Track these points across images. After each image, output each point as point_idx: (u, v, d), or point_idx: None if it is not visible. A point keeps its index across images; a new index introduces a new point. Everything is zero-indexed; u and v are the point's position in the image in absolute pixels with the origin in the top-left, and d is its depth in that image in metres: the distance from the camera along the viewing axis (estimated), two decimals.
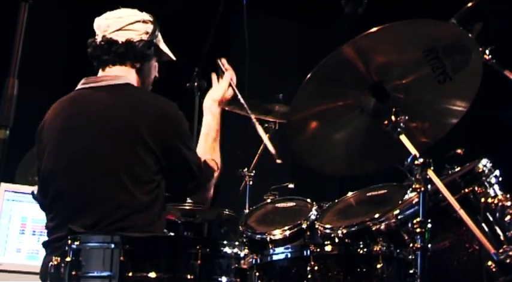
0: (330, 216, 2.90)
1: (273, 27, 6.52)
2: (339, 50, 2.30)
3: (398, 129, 2.33)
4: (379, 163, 2.67)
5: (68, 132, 2.55)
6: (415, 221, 2.17)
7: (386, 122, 2.36)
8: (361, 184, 3.06)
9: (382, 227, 2.60)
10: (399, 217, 2.59)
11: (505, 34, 3.10)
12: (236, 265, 2.20)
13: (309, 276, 2.29)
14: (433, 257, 2.25)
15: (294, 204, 3.21)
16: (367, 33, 2.26)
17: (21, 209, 3.81)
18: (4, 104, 1.86)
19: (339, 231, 2.68)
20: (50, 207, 2.54)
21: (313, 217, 2.93)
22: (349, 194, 3.04)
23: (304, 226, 2.89)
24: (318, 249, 2.36)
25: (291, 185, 3.98)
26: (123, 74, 2.63)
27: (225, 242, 2.23)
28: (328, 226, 2.76)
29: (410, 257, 2.30)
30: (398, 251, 2.38)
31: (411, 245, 2.18)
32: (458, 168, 2.73)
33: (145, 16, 2.73)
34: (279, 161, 2.77)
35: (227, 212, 4.06)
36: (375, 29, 2.26)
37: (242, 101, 2.93)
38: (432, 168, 2.21)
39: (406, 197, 2.66)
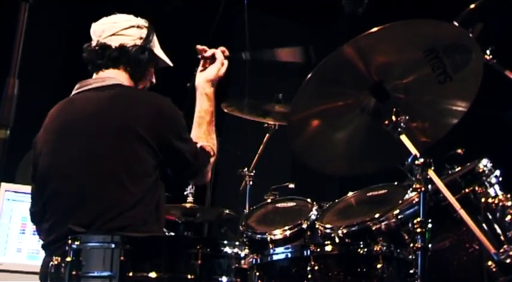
0: (330, 216, 2.90)
1: (273, 27, 6.52)
2: (339, 50, 2.30)
3: (399, 129, 2.33)
4: (379, 163, 2.67)
5: (63, 134, 2.57)
6: (415, 221, 2.17)
7: (386, 122, 2.36)
8: (361, 184, 3.06)
9: (383, 226, 2.60)
10: (399, 217, 2.59)
11: (505, 34, 3.10)
12: (236, 265, 2.19)
13: (309, 276, 2.29)
14: (434, 257, 2.25)
15: (294, 204, 3.22)
16: (368, 33, 2.26)
17: (21, 208, 3.82)
18: (4, 103, 1.86)
19: (339, 231, 2.68)
20: (44, 209, 2.54)
21: (313, 217, 2.94)
22: (350, 194, 3.05)
23: (304, 226, 2.89)
24: (318, 249, 2.35)
25: (291, 185, 3.98)
26: (115, 76, 2.65)
27: (225, 242, 2.23)
28: (328, 226, 2.77)
29: (410, 257, 2.30)
30: (398, 251, 2.38)
31: (411, 244, 2.18)
32: (459, 168, 2.73)
33: (141, 21, 2.74)
34: None
35: (227, 212, 4.07)
36: (375, 29, 2.26)
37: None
38: (432, 168, 2.21)
39: (407, 197, 2.66)
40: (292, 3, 6.14)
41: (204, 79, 2.85)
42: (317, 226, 2.83)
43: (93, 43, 2.68)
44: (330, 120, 2.53)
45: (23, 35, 1.92)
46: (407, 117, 2.36)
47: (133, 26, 2.70)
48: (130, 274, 2.05)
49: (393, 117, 2.35)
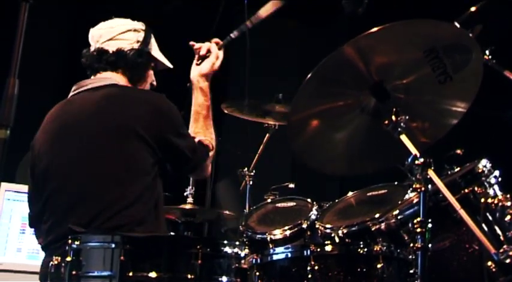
0: (330, 216, 2.90)
1: (273, 27, 6.51)
2: (339, 50, 2.30)
3: (399, 129, 2.33)
4: (379, 163, 2.67)
5: (61, 135, 2.58)
6: (415, 221, 2.17)
7: (386, 122, 2.36)
8: (361, 184, 3.06)
9: (383, 226, 2.60)
10: (399, 217, 2.59)
11: (505, 34, 3.10)
12: (236, 265, 2.20)
13: (309, 276, 2.29)
14: (433, 257, 2.25)
15: (294, 204, 3.22)
16: (368, 33, 2.26)
17: (21, 208, 3.82)
18: (5, 103, 1.86)
19: (339, 231, 2.68)
20: (43, 209, 2.54)
21: (313, 217, 2.94)
22: (350, 193, 3.05)
23: (304, 226, 2.89)
24: (318, 249, 2.35)
25: (291, 185, 3.98)
26: (111, 77, 2.66)
27: (225, 242, 2.23)
28: (328, 226, 2.77)
29: (410, 257, 2.30)
30: (398, 251, 2.38)
31: (411, 244, 2.18)
32: (458, 169, 2.73)
33: (137, 25, 2.75)
34: None
35: (227, 213, 4.07)
36: (375, 29, 2.26)
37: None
38: (432, 168, 2.22)
39: (407, 197, 2.66)
40: (292, 3, 6.13)
41: (198, 73, 2.84)
42: (317, 226, 2.83)
43: (91, 48, 2.70)
44: (330, 120, 2.53)
45: (23, 35, 1.92)
46: (407, 117, 2.36)
47: (130, 30, 2.71)
48: (131, 274, 2.05)
49: (393, 117, 2.35)
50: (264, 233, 2.96)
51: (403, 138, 2.32)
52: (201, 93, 2.81)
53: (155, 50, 2.79)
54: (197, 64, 2.88)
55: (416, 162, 2.22)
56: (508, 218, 2.41)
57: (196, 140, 2.68)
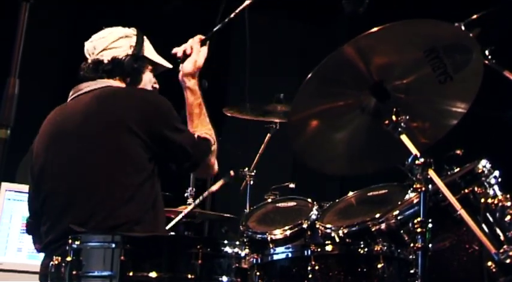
0: (330, 216, 2.90)
1: (273, 26, 6.52)
2: (340, 50, 2.30)
3: (399, 129, 2.33)
4: (379, 163, 2.67)
5: (55, 136, 2.60)
6: (415, 221, 2.17)
7: (387, 121, 2.36)
8: (361, 184, 3.06)
9: (383, 226, 2.60)
10: (400, 217, 2.59)
11: (505, 34, 3.10)
12: (237, 265, 2.20)
13: (310, 276, 2.29)
14: (434, 257, 2.25)
15: (295, 204, 3.22)
16: (368, 33, 2.26)
17: (22, 208, 3.82)
18: (5, 103, 1.86)
19: (340, 231, 2.68)
20: (41, 211, 2.55)
21: (313, 217, 2.94)
22: (350, 193, 3.04)
23: (304, 226, 2.89)
24: (319, 249, 2.35)
25: (292, 185, 3.98)
26: (108, 82, 2.66)
27: (225, 242, 2.23)
28: (328, 226, 2.77)
29: (411, 257, 2.30)
30: (399, 251, 2.37)
31: (412, 244, 2.18)
32: (458, 169, 2.73)
33: (128, 31, 2.76)
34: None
35: (227, 216, 4.07)
36: (375, 29, 2.26)
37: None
38: (433, 168, 2.22)
39: (407, 197, 2.66)
40: (292, 3, 6.13)
41: (182, 74, 2.79)
42: (317, 226, 2.83)
43: (88, 61, 2.71)
44: (331, 120, 2.53)
45: (23, 35, 1.92)
46: (407, 117, 2.36)
47: (122, 37, 2.72)
48: (131, 274, 2.05)
49: (393, 117, 2.35)
50: (265, 232, 2.96)
51: (404, 138, 2.32)
52: (190, 92, 2.77)
53: (151, 53, 2.79)
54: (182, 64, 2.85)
55: (417, 162, 2.22)
56: (508, 218, 2.41)
57: (195, 135, 2.66)
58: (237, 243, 2.31)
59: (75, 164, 2.49)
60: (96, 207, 2.40)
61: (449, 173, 2.72)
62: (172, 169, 2.60)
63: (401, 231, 2.57)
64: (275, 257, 2.43)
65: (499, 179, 2.58)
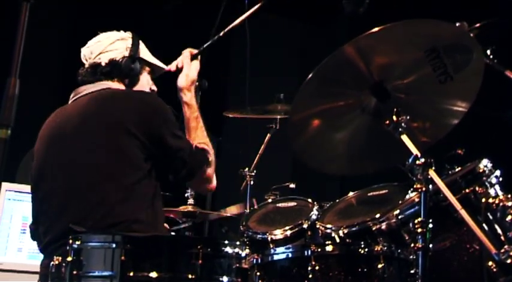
0: (330, 216, 2.90)
1: (273, 27, 6.52)
2: (340, 50, 2.30)
3: (400, 129, 2.33)
4: (380, 163, 2.67)
5: (53, 138, 2.61)
6: (416, 221, 2.17)
7: (387, 122, 2.36)
8: (362, 184, 3.06)
9: (383, 227, 2.60)
10: (400, 217, 2.58)
11: (505, 34, 3.10)
12: (237, 265, 2.20)
13: (310, 276, 2.29)
14: (434, 257, 2.25)
15: (295, 204, 3.22)
16: (368, 33, 2.26)
17: (22, 208, 3.82)
18: (5, 103, 1.87)
19: (340, 231, 2.68)
20: (40, 211, 2.57)
21: (314, 217, 2.94)
22: (350, 193, 3.04)
23: (305, 226, 2.89)
24: (319, 249, 2.35)
25: (292, 185, 3.98)
26: (107, 84, 2.67)
27: (226, 242, 2.23)
28: (329, 226, 2.76)
29: (411, 257, 2.30)
30: (399, 251, 2.37)
31: (412, 245, 2.18)
32: (459, 169, 2.73)
33: (123, 34, 2.79)
34: None
35: (227, 215, 4.06)
36: (375, 29, 2.26)
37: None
38: (433, 168, 2.22)
39: (407, 197, 2.66)
40: (292, 3, 6.13)
41: (178, 89, 2.81)
42: (318, 226, 2.83)
43: (86, 66, 2.73)
44: (331, 120, 2.53)
45: (23, 35, 1.92)
46: (408, 117, 2.36)
47: (118, 39, 2.75)
48: (131, 274, 2.05)
49: (394, 117, 2.35)
50: (265, 233, 2.96)
51: (404, 138, 2.32)
52: (186, 107, 2.77)
53: (147, 55, 2.81)
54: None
55: (417, 162, 2.22)
56: (509, 218, 2.41)
57: (193, 144, 2.65)
58: (238, 243, 2.31)
59: (72, 164, 2.50)
60: (92, 207, 2.40)
61: (450, 172, 2.72)
62: (170, 180, 2.58)
63: (402, 231, 2.57)
64: (275, 257, 2.43)
65: (500, 179, 2.58)
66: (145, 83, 2.79)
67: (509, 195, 2.46)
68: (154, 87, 2.83)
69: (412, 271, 2.25)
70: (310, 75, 2.33)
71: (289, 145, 2.54)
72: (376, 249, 2.34)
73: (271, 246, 2.87)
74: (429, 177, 2.20)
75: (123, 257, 2.05)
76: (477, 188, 2.53)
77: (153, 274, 2.06)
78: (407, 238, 2.54)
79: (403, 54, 2.40)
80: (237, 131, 4.63)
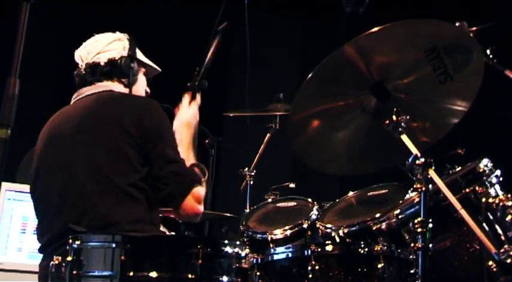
0: (330, 216, 2.90)
1: (273, 27, 6.52)
2: (340, 50, 2.30)
3: (400, 129, 2.33)
4: (380, 163, 2.67)
5: (51, 139, 2.61)
6: (416, 221, 2.17)
7: (387, 121, 2.36)
8: (362, 184, 3.06)
9: (383, 226, 2.60)
10: (400, 217, 2.58)
11: (505, 34, 3.10)
12: (237, 265, 2.20)
13: (310, 276, 2.29)
14: (434, 256, 2.25)
15: (295, 203, 3.22)
16: (368, 33, 2.26)
17: (22, 208, 3.82)
18: (5, 103, 1.87)
19: (340, 231, 2.68)
20: (40, 211, 2.57)
21: (314, 217, 2.94)
22: (350, 193, 3.05)
23: (305, 226, 2.89)
24: (319, 249, 2.35)
25: (292, 185, 3.98)
26: (108, 85, 2.67)
27: (226, 242, 2.23)
28: (329, 226, 2.77)
29: (411, 256, 2.30)
30: (399, 250, 2.37)
31: (412, 244, 2.18)
32: (459, 168, 2.73)
33: (120, 35, 2.79)
34: None
35: (227, 215, 4.06)
36: (375, 28, 2.26)
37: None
38: (433, 168, 2.22)
39: (407, 196, 2.66)
40: (292, 3, 6.14)
41: (179, 121, 2.75)
42: (318, 226, 2.83)
43: (82, 67, 2.71)
44: (331, 120, 2.53)
45: (23, 35, 1.92)
46: (408, 117, 2.36)
47: (115, 40, 2.75)
48: (131, 274, 2.05)
49: (394, 117, 2.35)
50: (265, 232, 2.96)
51: (404, 138, 2.32)
52: (179, 142, 2.66)
53: (141, 56, 2.82)
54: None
55: (417, 162, 2.22)
56: (509, 217, 2.41)
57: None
58: (238, 243, 2.30)
59: (71, 164, 2.49)
60: (91, 206, 2.40)
61: (450, 172, 2.72)
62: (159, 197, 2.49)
63: (402, 231, 2.57)
64: (275, 257, 2.43)
65: (500, 179, 2.58)
66: (142, 83, 2.80)
67: (509, 195, 2.46)
68: (148, 89, 2.84)
69: (412, 271, 2.25)
70: (310, 75, 2.34)
71: (289, 145, 2.54)
72: (376, 249, 2.34)
73: (271, 246, 2.87)
74: (429, 177, 2.20)
75: (123, 256, 2.05)
76: (477, 188, 2.53)
77: (153, 274, 2.06)
78: (407, 238, 2.54)
79: (403, 54, 2.40)
80: (237, 131, 4.62)
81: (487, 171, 2.56)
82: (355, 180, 3.47)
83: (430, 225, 2.16)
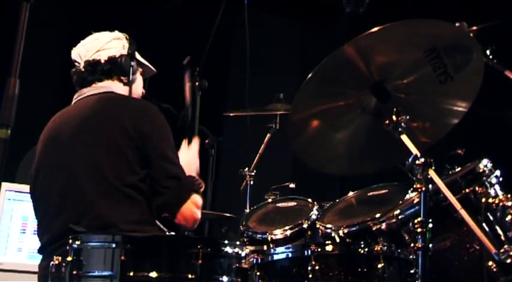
0: (330, 216, 2.90)
1: (273, 27, 6.52)
2: (340, 50, 2.30)
3: (400, 129, 2.33)
4: (380, 163, 2.67)
5: (51, 139, 2.61)
6: (416, 221, 2.17)
7: (387, 121, 2.36)
8: (362, 184, 3.06)
9: (383, 226, 2.60)
10: (400, 217, 2.59)
11: (505, 34, 3.11)
12: (237, 265, 2.20)
13: (310, 276, 2.29)
14: (434, 257, 2.25)
15: (295, 203, 3.22)
16: (368, 33, 2.26)
17: (22, 208, 3.82)
18: (5, 103, 1.87)
19: (340, 231, 2.68)
20: (40, 211, 2.57)
21: (314, 217, 2.94)
22: (350, 193, 3.05)
23: (305, 226, 2.90)
24: (319, 249, 2.35)
25: (292, 185, 3.98)
26: (108, 85, 2.67)
27: (226, 242, 2.23)
28: (329, 226, 2.77)
29: (411, 256, 2.30)
30: (399, 250, 2.37)
31: (412, 244, 2.18)
32: (459, 168, 2.73)
33: (118, 34, 2.79)
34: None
35: (227, 215, 4.06)
36: (375, 28, 2.26)
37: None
38: (433, 168, 2.22)
39: (407, 196, 2.66)
40: (292, 3, 6.14)
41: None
42: (318, 226, 2.83)
43: (81, 65, 2.70)
44: (331, 120, 2.53)
45: (23, 35, 1.92)
46: (408, 117, 2.36)
47: (114, 39, 2.75)
48: (131, 274, 2.05)
49: (394, 117, 2.35)
50: (265, 232, 2.96)
51: (404, 138, 2.32)
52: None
53: (138, 56, 2.82)
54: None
55: (417, 162, 2.22)
56: (508, 218, 2.41)
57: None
58: (238, 243, 2.30)
59: (71, 164, 2.49)
60: (88, 206, 2.39)
61: (450, 172, 2.72)
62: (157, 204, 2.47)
63: (402, 231, 2.57)
64: (275, 257, 2.43)
65: (500, 179, 2.58)
66: (139, 83, 2.80)
67: (509, 195, 2.46)
68: (143, 90, 2.85)
69: (412, 271, 2.25)
70: (310, 75, 2.34)
71: (289, 145, 2.54)
72: (376, 249, 2.34)
73: (271, 246, 2.87)
74: (429, 177, 2.20)
75: (123, 256, 2.05)
76: (477, 188, 2.53)
77: (153, 274, 2.06)
78: (407, 238, 2.54)
79: (403, 54, 2.40)
80: (237, 131, 4.62)
81: (487, 172, 2.56)
82: (355, 180, 3.47)
83: (430, 225, 2.16)
